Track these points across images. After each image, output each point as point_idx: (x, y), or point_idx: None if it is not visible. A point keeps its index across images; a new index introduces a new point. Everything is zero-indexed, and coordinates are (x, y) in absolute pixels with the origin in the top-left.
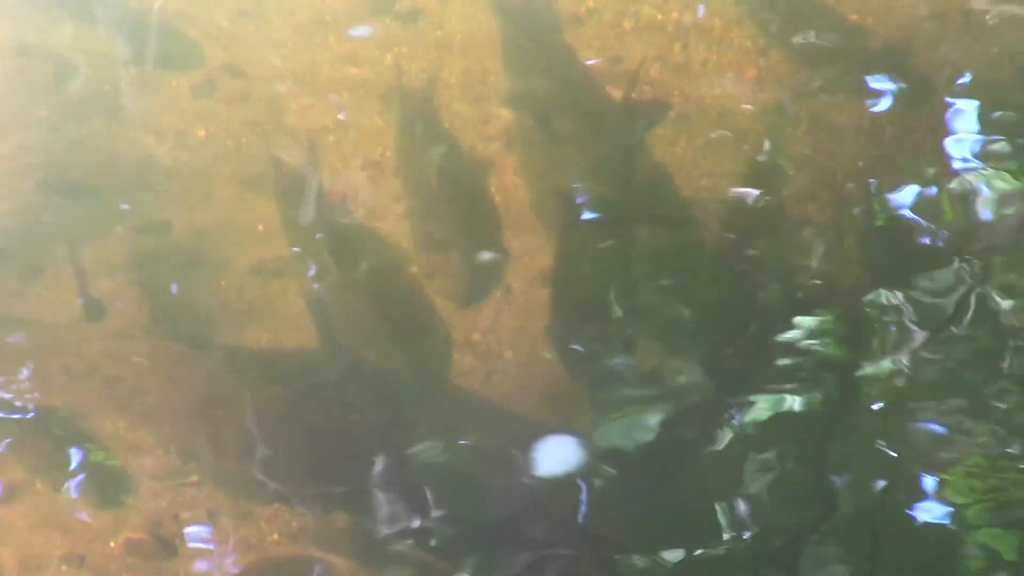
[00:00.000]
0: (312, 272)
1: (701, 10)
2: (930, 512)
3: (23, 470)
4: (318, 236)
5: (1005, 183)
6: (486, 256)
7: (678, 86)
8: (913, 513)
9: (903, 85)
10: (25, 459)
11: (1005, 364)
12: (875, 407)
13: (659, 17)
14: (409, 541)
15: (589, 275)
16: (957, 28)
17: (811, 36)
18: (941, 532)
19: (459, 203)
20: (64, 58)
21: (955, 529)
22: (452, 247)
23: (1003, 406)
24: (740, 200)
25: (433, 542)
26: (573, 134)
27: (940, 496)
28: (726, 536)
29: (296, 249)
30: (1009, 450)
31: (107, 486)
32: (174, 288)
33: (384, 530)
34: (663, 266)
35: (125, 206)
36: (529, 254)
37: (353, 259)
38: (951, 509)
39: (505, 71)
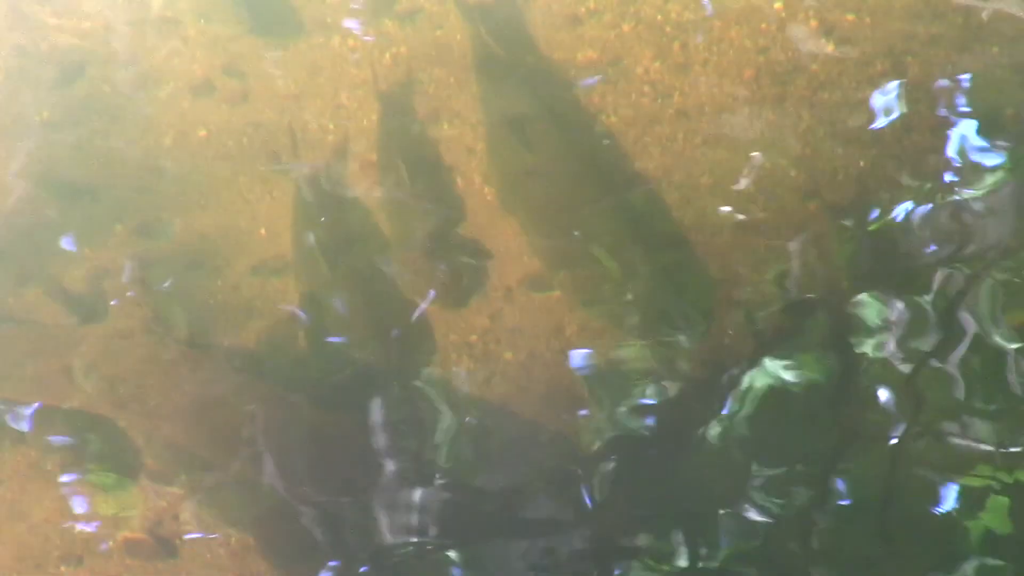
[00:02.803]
0: (308, 272)
1: (701, 10)
2: (939, 498)
3: (36, 452)
4: (317, 236)
5: (1004, 183)
6: (468, 258)
7: (678, 85)
8: (920, 505)
9: (903, 85)
10: (36, 444)
11: (1005, 368)
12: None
13: (659, 17)
14: (409, 539)
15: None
16: (957, 27)
17: None
18: (949, 518)
19: (433, 205)
20: (64, 58)
21: (962, 513)
22: (434, 249)
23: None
24: (738, 200)
25: (433, 540)
26: (547, 141)
27: (948, 485)
28: (728, 530)
29: (297, 250)
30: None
31: (118, 466)
32: (174, 288)
33: (384, 528)
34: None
35: (125, 206)
36: (522, 255)
37: (348, 259)
38: (958, 494)
39: (476, 79)
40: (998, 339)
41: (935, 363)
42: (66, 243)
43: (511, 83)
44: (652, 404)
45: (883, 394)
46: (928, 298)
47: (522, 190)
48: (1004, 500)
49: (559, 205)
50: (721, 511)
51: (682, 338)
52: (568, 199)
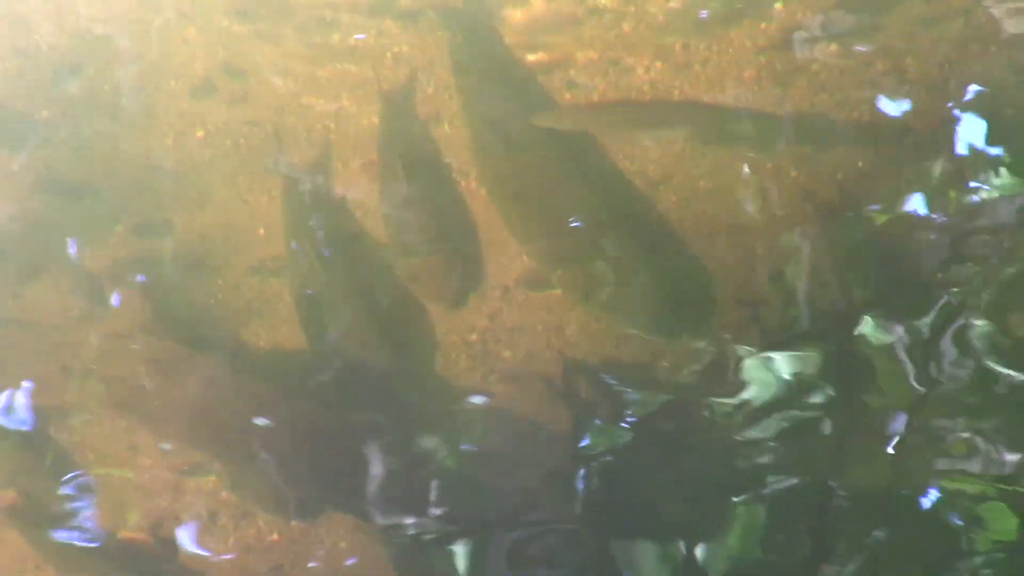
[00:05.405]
0: (304, 273)
1: (701, 10)
2: (936, 506)
3: (36, 453)
4: (315, 236)
5: (1004, 183)
6: (465, 256)
7: (678, 85)
8: (917, 505)
9: (903, 85)
10: (36, 444)
11: (1003, 372)
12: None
13: (659, 17)
14: (408, 537)
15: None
16: (957, 28)
17: None
18: (947, 525)
19: (431, 204)
20: (64, 58)
21: (958, 520)
22: (431, 249)
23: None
24: (738, 202)
25: (432, 537)
26: (530, 141)
27: (943, 491)
28: (728, 530)
29: (292, 249)
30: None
31: (117, 466)
32: (174, 288)
33: (383, 527)
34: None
35: (125, 206)
36: (521, 253)
37: (347, 260)
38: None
39: (455, 83)
40: (1000, 341)
41: (934, 364)
42: (66, 243)
43: (491, 86)
44: (652, 404)
45: (882, 395)
46: (928, 298)
47: (511, 191)
48: (1005, 503)
49: (550, 206)
50: (721, 512)
51: (682, 339)
52: (559, 200)
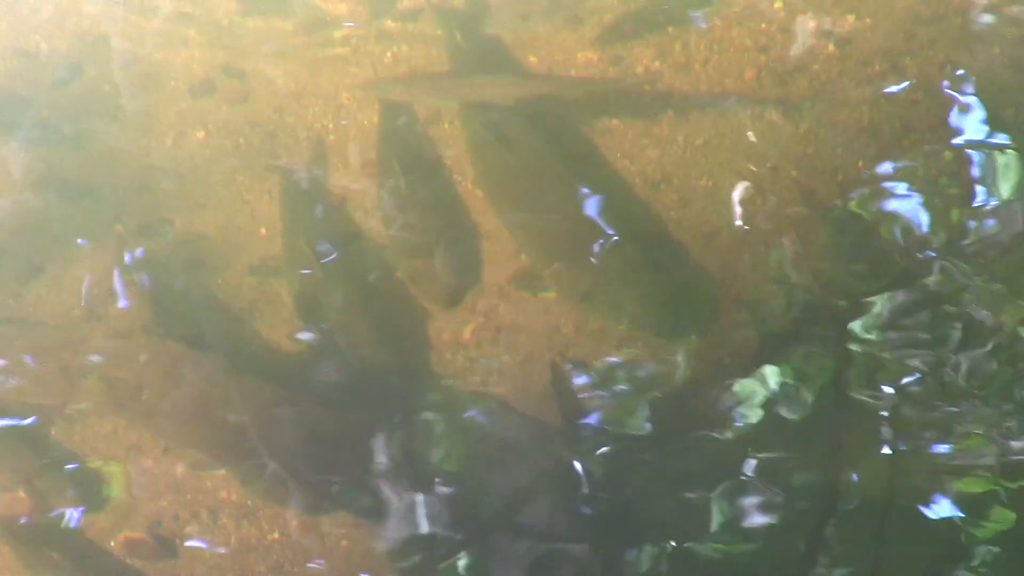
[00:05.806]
0: (303, 272)
1: (701, 9)
2: (935, 507)
3: (36, 452)
4: (314, 236)
5: (1004, 182)
6: (463, 256)
7: (679, 85)
8: (919, 507)
9: (903, 85)
10: (36, 444)
11: (997, 365)
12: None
13: (660, 17)
14: (409, 540)
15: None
16: (957, 27)
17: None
18: (946, 525)
19: (429, 204)
20: (64, 58)
21: (962, 517)
22: (429, 248)
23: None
24: (738, 201)
25: (433, 541)
26: (528, 142)
27: (947, 488)
28: (729, 530)
29: (291, 249)
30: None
31: (117, 466)
32: (174, 288)
33: (383, 526)
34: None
35: (125, 206)
36: (520, 252)
37: (346, 260)
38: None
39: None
40: (997, 338)
41: (934, 364)
42: (66, 243)
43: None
44: (651, 404)
45: (881, 395)
46: (927, 298)
47: (509, 191)
48: (1004, 499)
49: (549, 206)
50: (719, 511)
51: (681, 337)
52: (558, 201)
